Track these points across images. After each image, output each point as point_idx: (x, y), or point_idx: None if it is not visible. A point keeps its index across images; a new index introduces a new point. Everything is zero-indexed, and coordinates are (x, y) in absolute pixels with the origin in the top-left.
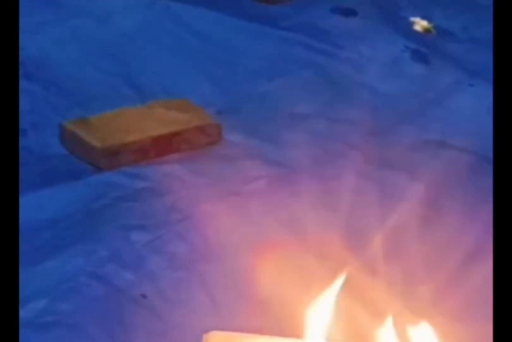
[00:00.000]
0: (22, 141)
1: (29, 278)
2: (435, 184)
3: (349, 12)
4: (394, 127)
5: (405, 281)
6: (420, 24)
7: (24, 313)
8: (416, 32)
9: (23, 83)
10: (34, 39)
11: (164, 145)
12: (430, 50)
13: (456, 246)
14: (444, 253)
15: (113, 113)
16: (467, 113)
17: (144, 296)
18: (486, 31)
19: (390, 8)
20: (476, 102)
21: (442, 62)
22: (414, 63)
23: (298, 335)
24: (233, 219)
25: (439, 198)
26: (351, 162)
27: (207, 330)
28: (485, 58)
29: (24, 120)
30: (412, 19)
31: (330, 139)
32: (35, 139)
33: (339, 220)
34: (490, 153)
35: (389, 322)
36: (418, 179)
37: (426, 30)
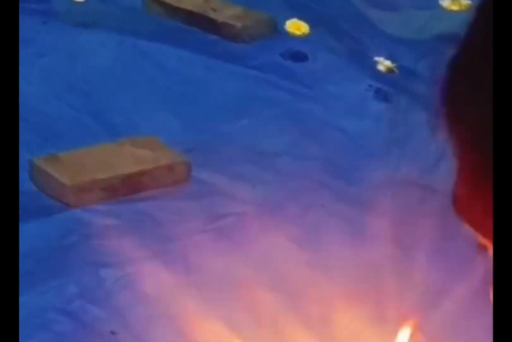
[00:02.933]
0: None
1: None
2: (402, 222)
3: (300, 57)
4: (361, 165)
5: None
6: (383, 64)
7: None
8: (379, 72)
9: None
10: None
11: (133, 183)
12: (394, 89)
13: (422, 282)
14: (410, 289)
15: (82, 151)
16: (433, 152)
17: (113, 333)
18: None
19: (356, 47)
20: (443, 142)
21: (406, 101)
22: (377, 102)
23: None
24: (201, 256)
25: (405, 236)
26: (319, 200)
27: None
28: None
29: None
30: (376, 58)
31: (297, 177)
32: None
33: (306, 258)
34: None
35: None
36: (384, 216)
37: (389, 70)
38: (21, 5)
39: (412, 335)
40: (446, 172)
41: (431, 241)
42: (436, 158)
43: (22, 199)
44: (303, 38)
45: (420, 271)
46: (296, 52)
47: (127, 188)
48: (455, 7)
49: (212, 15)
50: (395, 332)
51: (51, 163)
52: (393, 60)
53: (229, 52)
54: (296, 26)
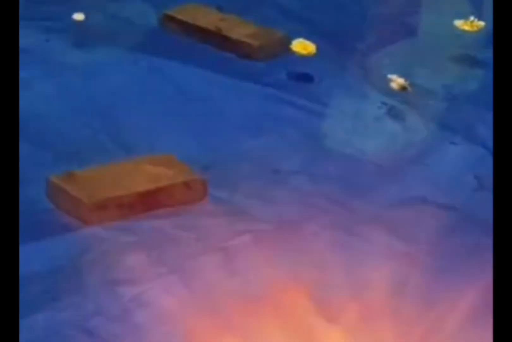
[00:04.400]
0: None
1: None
2: (416, 241)
3: (305, 78)
4: (376, 184)
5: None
6: (396, 81)
7: None
8: (392, 90)
9: None
10: (21, 95)
11: (150, 201)
12: (408, 107)
13: (434, 303)
14: (421, 309)
15: (99, 169)
16: (448, 170)
17: None
18: (466, 90)
19: (369, 65)
20: (457, 160)
21: (421, 119)
22: (391, 119)
23: None
24: (218, 273)
25: (419, 255)
26: (334, 219)
27: None
28: (466, 116)
29: None
30: (389, 76)
31: (312, 196)
32: (22, 193)
33: (320, 277)
34: (470, 210)
35: None
36: (399, 235)
37: (402, 88)
38: (26, 22)
39: None
40: (461, 190)
41: (444, 259)
42: (452, 177)
43: (39, 216)
44: (309, 57)
45: (436, 288)
46: (301, 73)
47: (143, 205)
48: (467, 27)
49: (227, 33)
50: None
51: (68, 181)
52: (406, 78)
53: (245, 70)
54: (302, 46)
